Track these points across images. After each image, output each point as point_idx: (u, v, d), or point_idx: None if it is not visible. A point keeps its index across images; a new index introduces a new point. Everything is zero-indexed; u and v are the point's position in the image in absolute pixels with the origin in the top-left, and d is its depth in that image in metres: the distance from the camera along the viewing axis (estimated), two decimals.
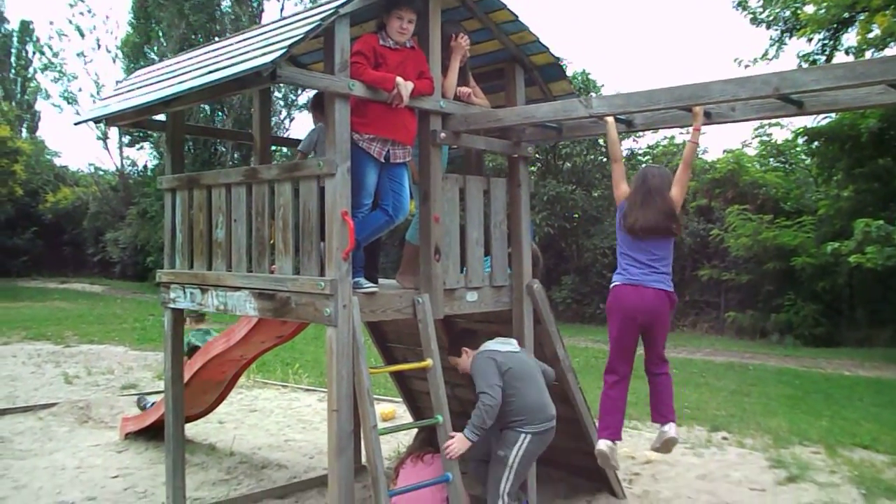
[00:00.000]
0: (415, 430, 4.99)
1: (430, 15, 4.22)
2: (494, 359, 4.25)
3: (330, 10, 3.59)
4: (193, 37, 26.35)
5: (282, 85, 14.57)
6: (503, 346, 4.41)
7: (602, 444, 4.18)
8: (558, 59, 4.78)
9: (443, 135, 4.20)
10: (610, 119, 3.90)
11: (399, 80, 3.87)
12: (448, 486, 4.01)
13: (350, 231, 3.70)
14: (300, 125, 31.33)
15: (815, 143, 15.37)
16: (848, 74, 2.91)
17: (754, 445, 6.88)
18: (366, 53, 3.88)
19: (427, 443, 4.62)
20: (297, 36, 3.42)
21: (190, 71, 4.07)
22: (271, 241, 4.18)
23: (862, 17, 11.78)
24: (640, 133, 19.37)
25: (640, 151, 22.24)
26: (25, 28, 40.37)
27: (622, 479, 5.62)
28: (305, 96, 28.29)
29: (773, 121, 18.04)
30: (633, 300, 4.12)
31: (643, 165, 4.49)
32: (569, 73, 19.87)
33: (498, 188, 4.67)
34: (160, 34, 27.61)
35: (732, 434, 7.36)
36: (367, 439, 3.73)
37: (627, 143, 21.38)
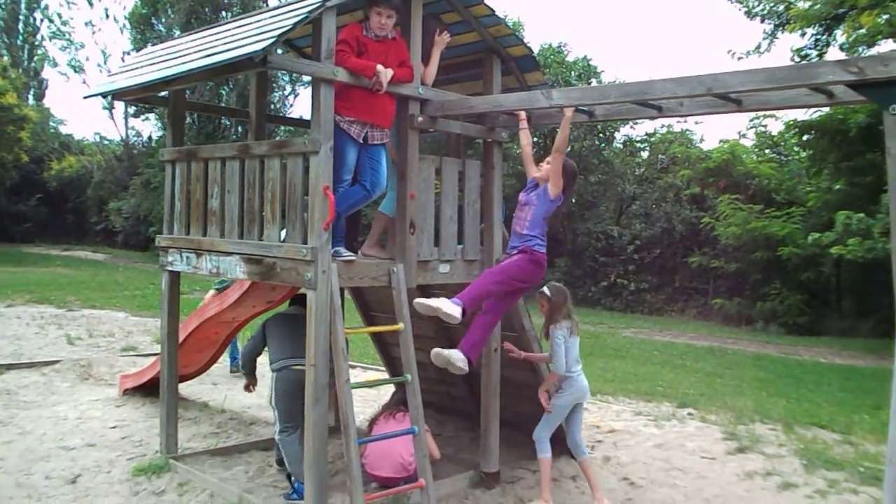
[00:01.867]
0: (391, 393, 5.43)
1: (412, 7, 4.57)
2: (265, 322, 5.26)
3: (318, 3, 3.95)
4: (201, 9, 26.57)
5: None
6: (288, 309, 5.36)
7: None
8: (532, 50, 5.15)
9: (420, 119, 4.58)
10: (568, 111, 4.25)
11: (379, 67, 4.23)
12: (413, 438, 4.43)
13: (331, 204, 4.08)
14: (304, 101, 31.57)
15: (806, 136, 15.66)
16: (770, 78, 3.28)
17: (716, 421, 7.30)
18: (350, 42, 4.24)
19: (400, 402, 5.04)
20: (286, 26, 3.79)
21: (190, 53, 4.44)
22: (263, 213, 4.56)
23: (851, 14, 12.05)
24: (639, 121, 19.64)
25: (638, 139, 22.58)
26: None
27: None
28: None
29: (768, 112, 18.31)
30: None
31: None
32: (570, 58, 20.17)
33: (472, 170, 5.06)
34: (167, 6, 27.78)
35: (698, 410, 7.78)
36: (340, 392, 4.14)
37: (625, 130, 21.72)
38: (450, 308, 4.12)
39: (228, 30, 4.56)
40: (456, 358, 4.23)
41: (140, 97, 5.41)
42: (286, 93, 29.14)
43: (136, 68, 5.03)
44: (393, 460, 4.72)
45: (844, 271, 16.88)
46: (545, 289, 5.01)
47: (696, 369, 10.81)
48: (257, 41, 3.83)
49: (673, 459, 5.96)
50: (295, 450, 4.78)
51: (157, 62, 4.80)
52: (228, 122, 26.82)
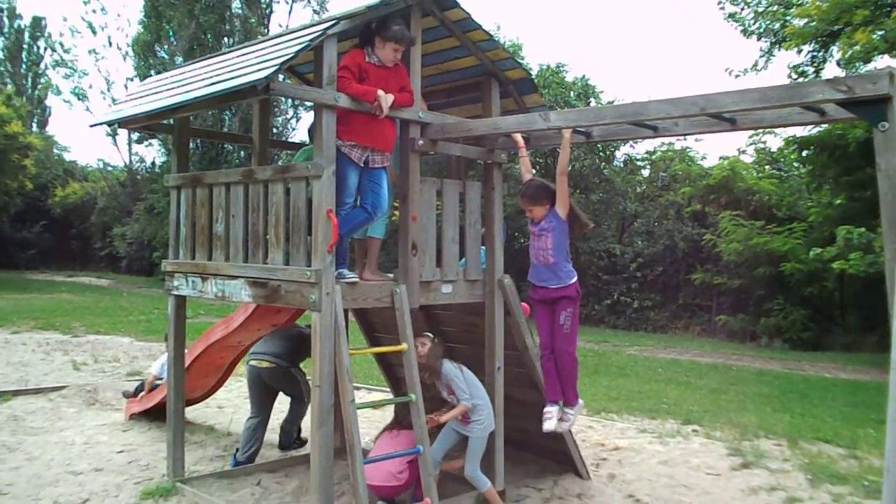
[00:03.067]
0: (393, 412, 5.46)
1: (413, 33, 4.66)
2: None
3: (318, 31, 4.05)
4: (203, 36, 26.84)
5: None
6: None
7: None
8: (530, 73, 5.24)
9: (420, 142, 4.66)
10: (567, 133, 4.32)
11: (380, 92, 4.31)
12: (419, 457, 4.47)
13: (334, 227, 4.15)
14: (307, 124, 31.68)
15: (805, 151, 15.73)
16: (761, 98, 3.35)
17: (721, 437, 7.31)
18: (351, 68, 4.32)
19: (395, 423, 5.09)
20: (288, 55, 3.88)
21: (195, 81, 4.53)
22: (268, 236, 4.63)
23: (846, 31, 12.17)
24: (638, 140, 19.76)
25: (639, 157, 22.68)
26: (37, 24, 41.03)
27: (590, 464, 6.07)
28: None
29: (766, 129, 18.40)
30: None
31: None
32: (568, 78, 20.33)
33: (473, 191, 5.12)
34: (170, 33, 28.07)
35: (702, 427, 7.78)
36: (345, 412, 4.18)
37: (625, 149, 21.83)
38: (574, 413, 4.49)
39: (232, 58, 4.64)
40: (579, 408, 4.69)
41: (145, 125, 5.51)
42: (288, 116, 29.36)
43: (142, 97, 5.12)
44: (383, 470, 4.72)
45: (847, 286, 16.88)
46: (429, 332, 5.17)
47: (701, 386, 10.81)
48: (260, 69, 3.92)
49: (678, 476, 5.97)
50: (246, 433, 6.01)
51: (162, 90, 4.89)
52: (231, 147, 27.00)
